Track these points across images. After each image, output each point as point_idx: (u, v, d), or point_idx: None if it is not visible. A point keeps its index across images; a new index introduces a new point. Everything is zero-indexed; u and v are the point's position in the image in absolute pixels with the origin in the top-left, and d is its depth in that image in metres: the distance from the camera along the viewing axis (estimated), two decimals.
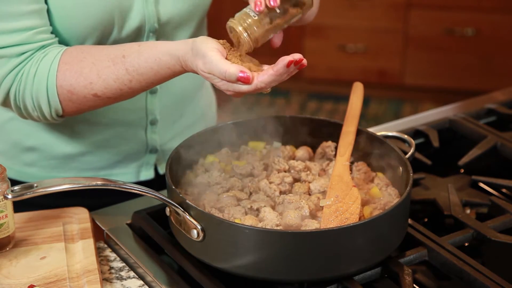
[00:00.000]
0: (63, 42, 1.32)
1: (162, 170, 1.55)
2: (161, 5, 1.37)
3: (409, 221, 1.28)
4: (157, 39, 1.39)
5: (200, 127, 1.55)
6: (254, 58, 1.20)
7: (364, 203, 1.24)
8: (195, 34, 1.46)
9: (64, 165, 1.48)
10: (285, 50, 1.58)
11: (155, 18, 1.37)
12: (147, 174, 1.54)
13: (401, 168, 1.28)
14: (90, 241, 1.27)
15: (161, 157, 1.54)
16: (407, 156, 1.29)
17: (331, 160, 1.36)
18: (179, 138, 1.46)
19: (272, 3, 1.16)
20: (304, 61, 1.13)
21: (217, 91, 1.28)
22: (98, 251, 1.30)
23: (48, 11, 1.28)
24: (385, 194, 1.26)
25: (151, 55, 1.21)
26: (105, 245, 1.32)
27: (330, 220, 1.18)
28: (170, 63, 1.20)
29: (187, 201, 1.16)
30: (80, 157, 1.48)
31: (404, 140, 1.38)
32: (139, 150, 1.51)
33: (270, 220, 1.18)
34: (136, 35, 1.37)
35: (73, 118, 1.41)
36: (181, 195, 1.18)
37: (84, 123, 1.44)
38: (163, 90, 1.47)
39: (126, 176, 1.52)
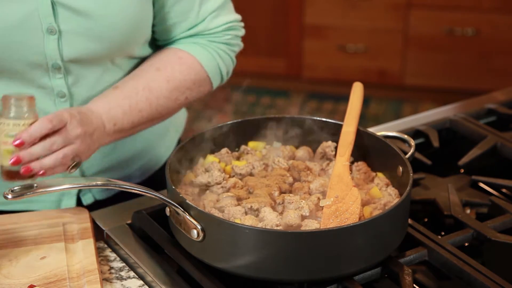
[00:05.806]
0: None
1: (85, 201, 1.48)
2: (65, 43, 1.31)
3: (409, 221, 1.28)
4: (64, 75, 1.34)
5: (147, 158, 1.53)
6: None
7: (364, 203, 1.24)
8: (104, 74, 1.40)
9: None
10: (285, 50, 1.58)
11: (58, 56, 1.32)
12: (68, 203, 1.46)
13: (401, 168, 1.28)
14: (90, 241, 1.27)
15: (86, 189, 1.48)
16: (407, 156, 1.29)
17: (331, 160, 1.36)
18: (116, 170, 1.48)
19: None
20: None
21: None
22: (98, 251, 1.30)
23: None
24: (385, 194, 1.26)
25: None
26: (105, 245, 1.32)
27: (330, 220, 1.18)
28: None
29: (187, 201, 1.16)
30: None
31: (404, 140, 1.38)
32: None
33: (270, 220, 1.18)
34: (37, 69, 1.32)
35: None
36: (181, 195, 1.18)
37: None
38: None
39: (46, 204, 1.45)
